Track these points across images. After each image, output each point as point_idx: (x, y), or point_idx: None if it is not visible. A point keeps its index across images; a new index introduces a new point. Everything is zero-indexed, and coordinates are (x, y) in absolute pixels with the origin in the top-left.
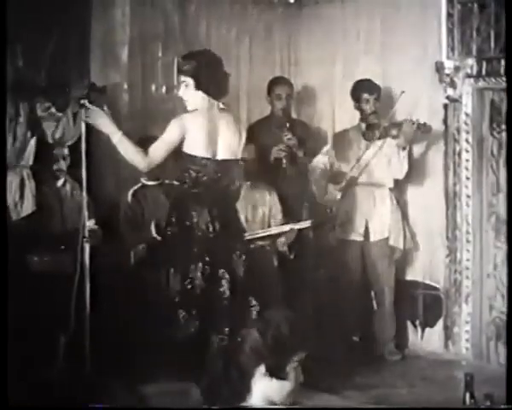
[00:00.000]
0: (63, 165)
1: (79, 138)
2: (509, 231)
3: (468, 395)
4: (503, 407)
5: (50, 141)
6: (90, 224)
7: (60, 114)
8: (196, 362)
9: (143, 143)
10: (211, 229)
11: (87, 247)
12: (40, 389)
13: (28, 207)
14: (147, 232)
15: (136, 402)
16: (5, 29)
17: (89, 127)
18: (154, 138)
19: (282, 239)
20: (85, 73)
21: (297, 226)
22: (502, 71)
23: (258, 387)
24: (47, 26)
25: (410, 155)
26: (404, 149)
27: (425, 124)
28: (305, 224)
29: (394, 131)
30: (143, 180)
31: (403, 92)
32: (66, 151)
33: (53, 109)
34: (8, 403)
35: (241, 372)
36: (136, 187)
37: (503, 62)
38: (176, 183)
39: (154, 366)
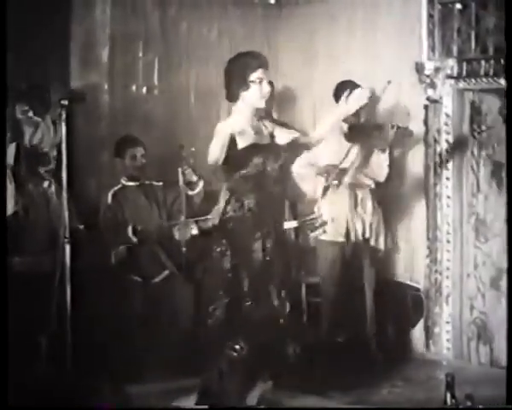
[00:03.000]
0: (49, 166)
1: (60, 141)
2: (508, 230)
3: (448, 395)
4: (481, 407)
5: (28, 146)
6: (72, 224)
7: (38, 119)
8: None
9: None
10: None
11: (67, 247)
12: (24, 389)
13: (9, 208)
14: (127, 233)
15: (121, 402)
16: (5, 29)
17: (70, 130)
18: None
19: None
20: (65, 74)
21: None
22: (482, 72)
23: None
24: (26, 27)
25: (390, 157)
26: (384, 151)
27: (406, 128)
28: (292, 224)
29: (375, 134)
30: (123, 181)
31: (389, 82)
32: (53, 153)
33: (31, 113)
34: (8, 403)
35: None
36: (116, 188)
37: (483, 63)
38: (155, 183)
39: (138, 366)
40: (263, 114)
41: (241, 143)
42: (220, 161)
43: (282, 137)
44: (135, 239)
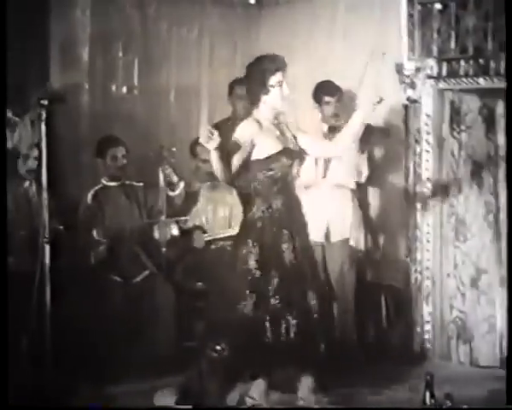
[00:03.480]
0: (31, 166)
1: (40, 141)
2: (509, 232)
3: (428, 395)
4: (465, 407)
5: (8, 146)
6: (52, 224)
7: (17, 119)
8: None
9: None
10: None
11: (47, 247)
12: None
13: None
14: (107, 233)
15: (101, 402)
16: (5, 29)
17: (49, 129)
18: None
19: None
20: (45, 74)
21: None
22: (462, 72)
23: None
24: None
25: (370, 157)
26: (363, 152)
27: (384, 129)
28: None
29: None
30: (104, 181)
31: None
32: (34, 153)
33: (9, 114)
34: (8, 403)
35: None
36: (96, 188)
37: (462, 63)
38: (136, 184)
39: (118, 366)
40: (283, 117)
41: (265, 146)
42: (238, 165)
43: (305, 141)
44: (103, 240)
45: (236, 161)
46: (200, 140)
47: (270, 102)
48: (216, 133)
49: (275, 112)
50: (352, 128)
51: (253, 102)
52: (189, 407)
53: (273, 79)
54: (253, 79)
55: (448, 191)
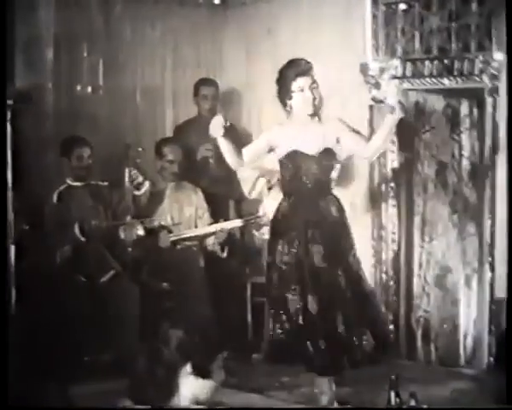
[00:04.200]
0: None
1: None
2: (509, 231)
3: (393, 395)
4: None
5: None
6: (17, 224)
7: None
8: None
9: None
10: None
11: (12, 248)
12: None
13: None
14: (72, 233)
15: (64, 403)
16: (5, 29)
17: (15, 129)
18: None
19: (211, 239)
20: (10, 73)
21: (228, 226)
22: (426, 72)
23: (184, 386)
24: None
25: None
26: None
27: (353, 129)
28: (236, 223)
29: None
30: (69, 181)
31: None
32: None
33: None
34: (8, 403)
35: (167, 371)
36: (62, 188)
37: (427, 63)
38: (101, 183)
39: (83, 366)
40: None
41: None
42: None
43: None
44: (82, 238)
45: (247, 151)
46: (210, 131)
47: (294, 108)
48: (228, 123)
49: (304, 115)
50: (385, 131)
51: (283, 106)
52: (148, 407)
53: (294, 85)
54: (279, 85)
55: (412, 191)
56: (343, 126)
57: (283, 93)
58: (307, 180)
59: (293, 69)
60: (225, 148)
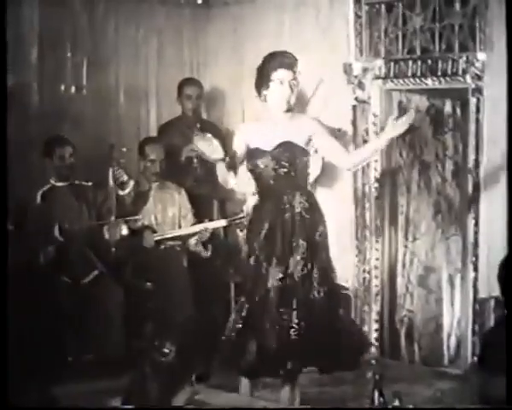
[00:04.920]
0: None
1: None
2: (509, 230)
3: (376, 394)
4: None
5: None
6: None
7: None
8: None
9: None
10: None
11: None
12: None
13: None
14: (53, 233)
15: (47, 403)
16: (5, 29)
17: None
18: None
19: (194, 239)
20: None
21: (211, 225)
22: (409, 72)
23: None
24: None
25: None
26: (316, 151)
27: (339, 129)
28: (220, 223)
29: None
30: (53, 181)
31: (321, 81)
32: None
33: None
34: (8, 403)
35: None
36: (45, 188)
37: (410, 63)
38: (85, 183)
39: (66, 366)
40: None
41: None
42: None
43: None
44: (61, 239)
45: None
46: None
47: (269, 100)
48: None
49: (278, 110)
50: (378, 146)
51: (259, 95)
52: (131, 406)
53: (274, 75)
54: (259, 73)
55: (396, 191)
56: (319, 128)
57: (261, 81)
58: (268, 176)
59: (277, 59)
60: (221, 174)
